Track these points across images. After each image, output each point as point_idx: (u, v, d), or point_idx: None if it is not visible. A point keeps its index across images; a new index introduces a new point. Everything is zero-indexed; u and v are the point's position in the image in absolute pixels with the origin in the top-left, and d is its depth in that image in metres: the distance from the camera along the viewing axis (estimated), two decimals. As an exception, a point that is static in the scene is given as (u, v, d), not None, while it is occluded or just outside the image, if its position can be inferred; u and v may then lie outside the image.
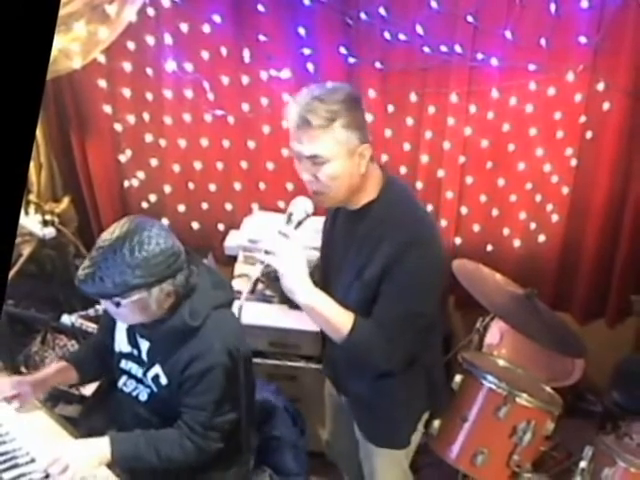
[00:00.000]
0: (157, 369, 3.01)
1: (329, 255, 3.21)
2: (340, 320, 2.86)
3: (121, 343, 3.16)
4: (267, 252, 2.73)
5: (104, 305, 2.87)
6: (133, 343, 3.10)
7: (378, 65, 4.59)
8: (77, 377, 3.30)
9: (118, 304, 2.78)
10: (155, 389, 3.05)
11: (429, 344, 3.17)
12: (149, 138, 5.18)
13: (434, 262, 2.91)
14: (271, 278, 4.56)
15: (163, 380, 3.00)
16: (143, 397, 3.10)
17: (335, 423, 3.77)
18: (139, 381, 3.12)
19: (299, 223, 2.84)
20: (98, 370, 3.39)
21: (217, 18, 4.67)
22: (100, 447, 2.85)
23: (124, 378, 3.18)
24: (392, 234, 2.83)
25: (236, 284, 4.51)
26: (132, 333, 3.09)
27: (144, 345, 3.06)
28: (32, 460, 2.84)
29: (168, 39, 4.79)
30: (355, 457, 3.55)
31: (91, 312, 4.71)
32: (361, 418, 3.36)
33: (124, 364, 3.17)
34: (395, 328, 2.84)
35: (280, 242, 2.75)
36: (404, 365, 3.01)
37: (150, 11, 4.71)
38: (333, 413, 3.74)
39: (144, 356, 3.06)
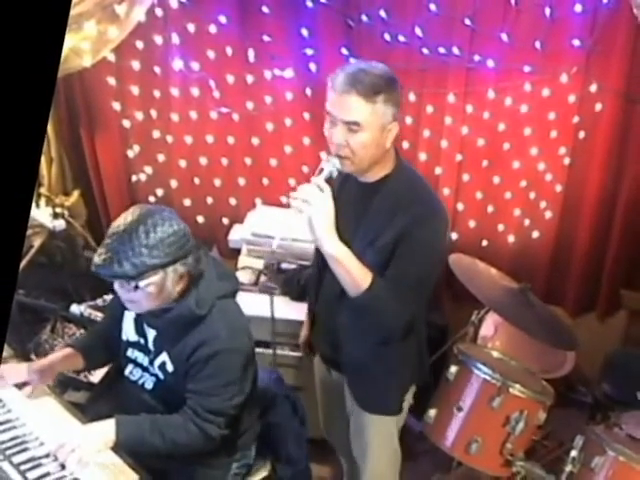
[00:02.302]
0: (164, 357, 3.01)
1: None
2: (361, 274, 2.93)
3: (128, 332, 3.16)
4: (304, 200, 2.81)
5: (120, 292, 2.85)
6: (140, 332, 3.10)
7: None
8: (83, 363, 3.29)
9: (136, 287, 2.76)
10: (161, 377, 3.04)
11: (422, 315, 3.29)
12: (156, 134, 5.18)
13: (442, 233, 3.08)
14: (273, 270, 4.61)
15: (169, 367, 2.99)
16: (149, 385, 3.10)
17: (328, 406, 3.81)
18: (145, 369, 3.12)
19: (330, 177, 2.93)
20: (103, 357, 3.39)
21: (223, 19, 4.67)
22: (106, 430, 2.84)
23: (130, 367, 3.17)
24: (408, 207, 2.95)
25: (239, 276, 4.53)
26: (140, 322, 3.09)
27: (151, 334, 3.06)
28: (41, 444, 2.84)
29: (175, 39, 4.79)
30: (349, 438, 3.61)
31: (99, 302, 4.70)
32: (357, 386, 3.38)
33: (130, 353, 3.17)
34: (406, 288, 2.95)
35: (315, 193, 2.83)
36: (404, 331, 3.13)
37: (158, 11, 4.71)
38: (325, 396, 3.79)
39: (150, 345, 3.06)
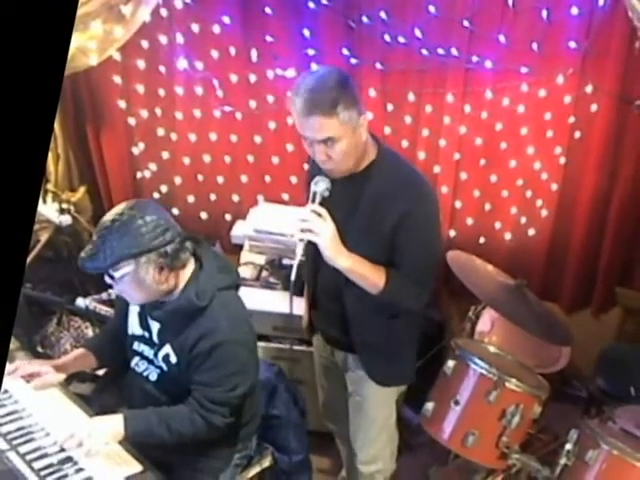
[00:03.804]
0: (167, 349, 3.01)
1: None
2: (376, 275, 3.05)
3: (133, 326, 3.17)
4: (310, 231, 2.88)
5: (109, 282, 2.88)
6: (144, 326, 3.11)
7: (378, 66, 4.58)
8: (96, 363, 3.32)
9: (112, 278, 2.80)
10: (165, 368, 3.05)
11: None
12: (161, 132, 5.18)
13: (436, 208, 3.17)
14: (275, 266, 4.61)
15: (173, 359, 3.00)
16: (153, 377, 3.11)
17: (328, 389, 3.86)
18: (150, 362, 3.13)
19: (323, 199, 2.98)
20: (115, 355, 3.36)
21: (226, 19, 4.67)
22: (114, 424, 2.86)
23: (136, 359, 3.18)
24: (402, 191, 3.04)
25: (242, 271, 4.54)
26: (143, 316, 3.10)
27: (154, 327, 3.06)
28: (47, 435, 2.86)
29: (180, 38, 4.79)
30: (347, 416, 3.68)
31: (104, 296, 4.71)
32: (371, 361, 3.42)
33: (136, 346, 3.17)
34: (421, 271, 3.09)
35: (317, 221, 2.90)
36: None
37: (163, 12, 4.71)
38: (326, 379, 3.85)
39: (155, 337, 3.07)
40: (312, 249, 3.06)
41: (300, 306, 4.24)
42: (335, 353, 3.59)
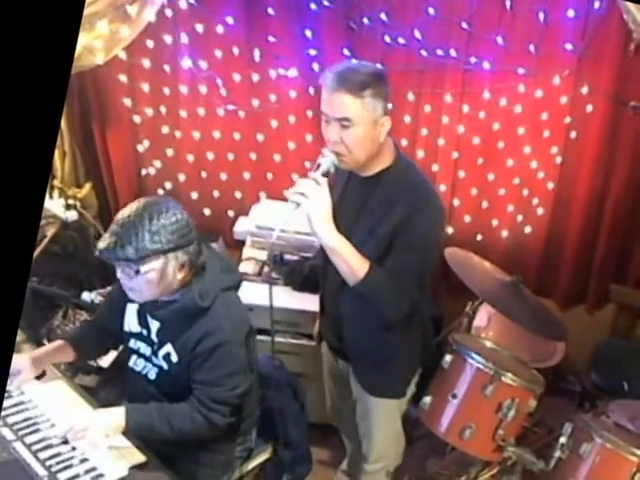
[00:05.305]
0: (168, 347, 2.99)
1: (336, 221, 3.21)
2: (358, 263, 2.94)
3: (131, 323, 3.13)
4: (302, 194, 2.81)
5: (122, 279, 2.82)
6: (143, 324, 3.08)
7: (378, 66, 4.57)
8: (74, 355, 3.25)
9: (137, 271, 2.75)
10: (165, 367, 3.03)
11: (425, 299, 3.28)
12: (165, 130, 5.18)
13: (439, 221, 3.11)
14: (276, 262, 4.61)
15: (174, 358, 2.98)
16: (152, 376, 3.09)
17: (335, 393, 3.83)
18: (148, 360, 3.10)
19: (327, 172, 2.92)
20: (95, 349, 3.38)
21: (230, 20, 4.67)
22: (115, 416, 2.85)
23: (134, 357, 3.15)
24: (406, 197, 2.96)
25: (244, 266, 4.54)
26: (143, 314, 3.07)
27: (154, 325, 3.03)
28: (52, 425, 2.86)
29: (184, 38, 4.79)
30: (355, 420, 3.64)
31: (109, 290, 4.71)
32: (362, 371, 3.41)
33: (133, 343, 3.14)
34: (405, 276, 2.96)
35: (312, 187, 2.83)
36: (407, 316, 3.11)
37: (168, 12, 4.70)
38: (332, 383, 3.81)
39: (154, 336, 3.04)
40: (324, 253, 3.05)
41: (297, 301, 4.30)
42: (338, 360, 3.59)
